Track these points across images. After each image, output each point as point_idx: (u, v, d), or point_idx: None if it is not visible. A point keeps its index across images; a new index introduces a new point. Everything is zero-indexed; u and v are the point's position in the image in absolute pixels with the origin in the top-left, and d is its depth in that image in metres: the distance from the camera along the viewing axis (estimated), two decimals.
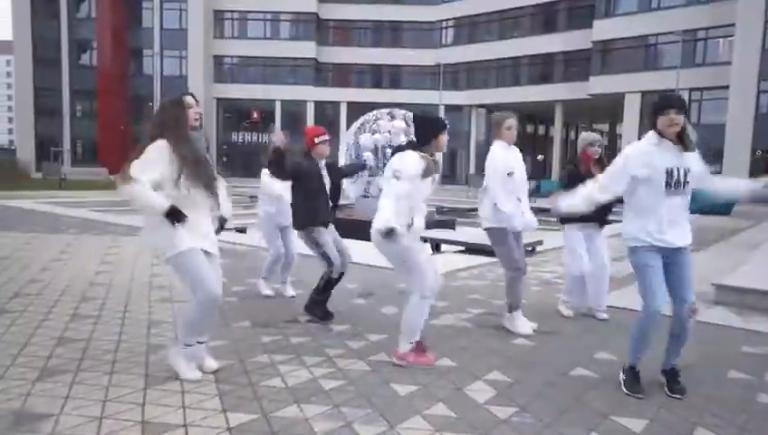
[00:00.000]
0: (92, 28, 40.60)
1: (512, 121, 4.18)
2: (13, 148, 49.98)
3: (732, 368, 3.49)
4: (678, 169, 2.91)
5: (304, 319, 4.32)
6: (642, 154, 2.98)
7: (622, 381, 3.08)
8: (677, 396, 2.96)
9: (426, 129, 3.49)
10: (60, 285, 5.17)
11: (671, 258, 3.02)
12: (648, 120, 3.03)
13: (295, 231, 4.60)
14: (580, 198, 3.24)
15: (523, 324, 4.16)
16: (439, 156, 3.70)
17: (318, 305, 4.34)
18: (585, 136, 4.83)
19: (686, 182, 2.93)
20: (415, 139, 3.49)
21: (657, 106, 2.95)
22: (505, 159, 4.11)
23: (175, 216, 2.85)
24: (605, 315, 4.62)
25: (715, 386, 3.20)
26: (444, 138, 3.50)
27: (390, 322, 4.33)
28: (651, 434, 2.57)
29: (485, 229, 4.19)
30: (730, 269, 6.40)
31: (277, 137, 4.35)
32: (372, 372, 3.25)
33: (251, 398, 2.83)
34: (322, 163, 4.48)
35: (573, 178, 4.71)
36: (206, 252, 3.06)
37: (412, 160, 3.35)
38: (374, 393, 2.94)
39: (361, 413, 2.69)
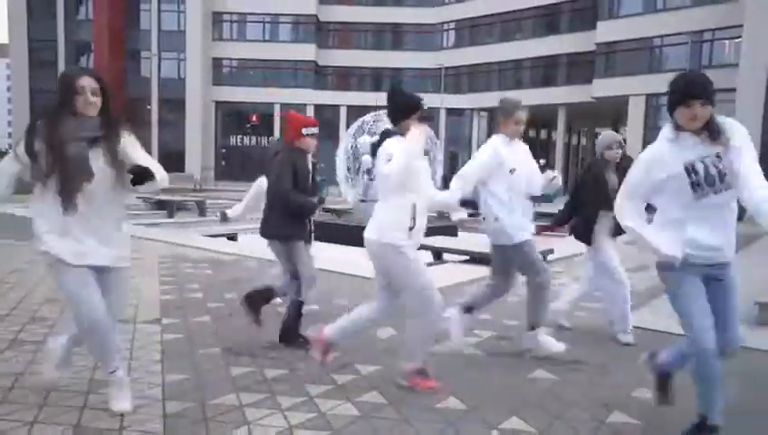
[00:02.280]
0: (90, 30, 40.14)
1: (521, 115, 3.57)
2: (8, 151, 49.40)
3: None
4: (702, 159, 2.28)
5: (286, 344, 3.69)
6: (654, 153, 2.40)
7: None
8: None
9: (394, 105, 3.02)
10: (10, 303, 4.54)
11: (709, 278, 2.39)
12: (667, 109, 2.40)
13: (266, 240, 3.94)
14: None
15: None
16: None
17: (293, 334, 3.70)
18: (603, 137, 4.24)
19: (720, 174, 2.26)
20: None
21: (676, 94, 2.31)
22: (506, 155, 3.51)
23: None
24: (630, 338, 4.01)
25: None
26: (411, 123, 2.93)
27: (386, 347, 3.71)
28: None
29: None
30: (764, 281, 5.77)
31: None
32: (361, 419, 2.62)
33: None
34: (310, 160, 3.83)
35: (580, 187, 4.24)
36: (92, 267, 2.46)
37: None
38: None
39: None
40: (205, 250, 7.70)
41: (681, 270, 2.35)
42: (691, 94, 2.26)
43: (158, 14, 41.14)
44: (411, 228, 2.87)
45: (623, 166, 4.17)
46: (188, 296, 5.00)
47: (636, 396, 3.00)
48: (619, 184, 2.79)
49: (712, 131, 2.29)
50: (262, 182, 4.71)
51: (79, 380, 2.96)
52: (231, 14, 42.14)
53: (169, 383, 2.97)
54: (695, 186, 2.28)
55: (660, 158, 2.35)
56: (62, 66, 40.79)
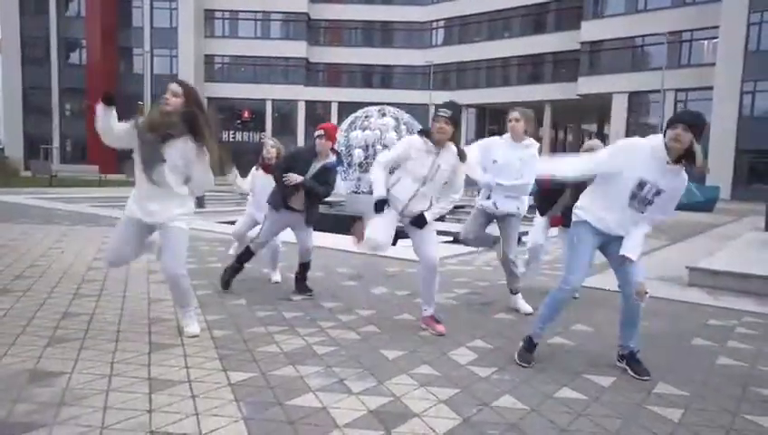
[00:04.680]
0: (82, 27, 40.51)
1: (511, 114, 4.24)
2: (1, 147, 49.55)
3: (697, 337, 3.74)
4: (651, 186, 2.87)
5: (297, 298, 4.53)
6: (630, 150, 2.94)
7: (518, 349, 3.21)
8: (645, 378, 2.90)
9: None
10: (60, 269, 5.33)
11: (610, 241, 3.08)
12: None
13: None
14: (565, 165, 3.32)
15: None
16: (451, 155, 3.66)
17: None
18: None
19: (650, 201, 2.91)
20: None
21: (670, 119, 2.87)
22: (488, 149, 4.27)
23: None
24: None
25: (680, 351, 3.45)
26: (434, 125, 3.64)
27: (379, 299, 4.55)
28: (617, 387, 2.81)
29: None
30: (704, 255, 6.68)
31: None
32: (362, 341, 3.47)
33: (249, 360, 3.03)
34: None
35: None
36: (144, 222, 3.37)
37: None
38: (364, 357, 3.15)
39: (352, 372, 2.90)
40: (213, 232, 8.49)
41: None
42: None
43: (150, 12, 41.45)
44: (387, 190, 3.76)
45: None
46: (209, 266, 5.82)
47: (574, 329, 3.87)
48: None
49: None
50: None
51: (138, 315, 3.77)
52: (222, 11, 42.69)
53: (210, 320, 3.79)
54: (632, 196, 2.91)
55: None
56: (54, 63, 41.18)
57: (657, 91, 29.71)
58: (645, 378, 2.92)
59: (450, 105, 3.67)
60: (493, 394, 2.67)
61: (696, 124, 2.77)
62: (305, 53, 42.62)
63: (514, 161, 4.14)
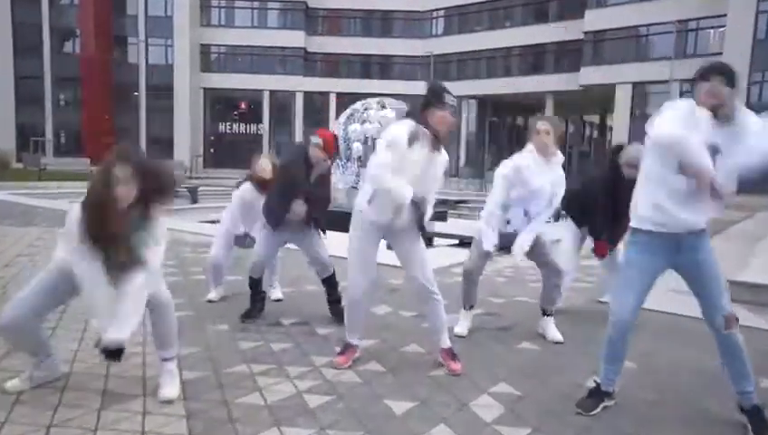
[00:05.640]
0: (75, 15, 39.63)
1: (540, 125, 3.52)
2: None
3: (762, 375, 3.16)
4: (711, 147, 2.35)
5: (287, 322, 3.94)
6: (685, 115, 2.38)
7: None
8: None
9: (423, 101, 2.99)
10: (22, 284, 4.73)
11: (683, 250, 2.50)
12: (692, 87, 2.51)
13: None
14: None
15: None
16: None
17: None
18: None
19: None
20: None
21: (701, 72, 2.44)
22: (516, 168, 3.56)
23: None
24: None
25: None
26: (438, 113, 2.92)
27: (382, 323, 3.98)
28: None
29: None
30: (736, 263, 6.10)
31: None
32: (363, 385, 2.88)
33: (224, 420, 2.44)
34: None
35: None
36: None
37: (397, 127, 2.97)
38: (366, 412, 2.57)
39: None
40: (200, 235, 7.89)
41: None
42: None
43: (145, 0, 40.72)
44: (369, 201, 3.08)
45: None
46: (192, 279, 5.23)
47: None
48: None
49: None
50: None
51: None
52: None
53: (185, 356, 3.19)
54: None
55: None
56: (47, 53, 40.30)
57: (662, 81, 29.03)
58: None
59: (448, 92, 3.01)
60: None
61: (732, 74, 2.39)
62: (303, 43, 41.80)
63: (546, 186, 3.52)
